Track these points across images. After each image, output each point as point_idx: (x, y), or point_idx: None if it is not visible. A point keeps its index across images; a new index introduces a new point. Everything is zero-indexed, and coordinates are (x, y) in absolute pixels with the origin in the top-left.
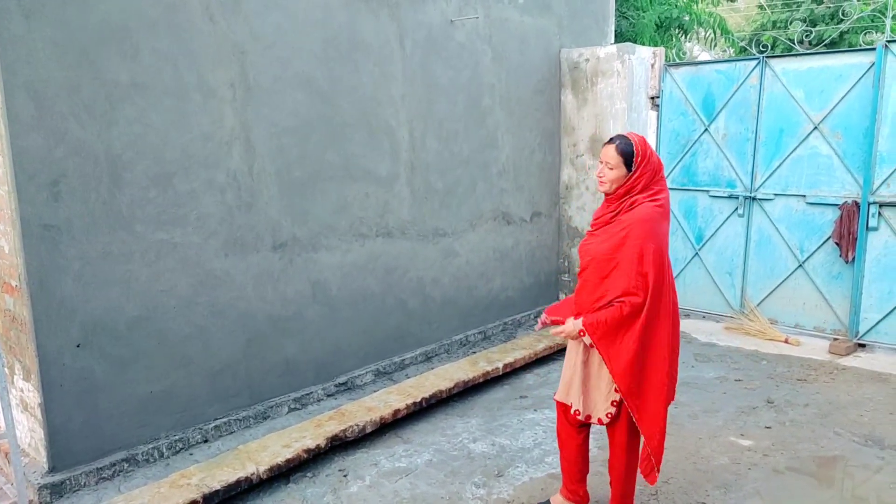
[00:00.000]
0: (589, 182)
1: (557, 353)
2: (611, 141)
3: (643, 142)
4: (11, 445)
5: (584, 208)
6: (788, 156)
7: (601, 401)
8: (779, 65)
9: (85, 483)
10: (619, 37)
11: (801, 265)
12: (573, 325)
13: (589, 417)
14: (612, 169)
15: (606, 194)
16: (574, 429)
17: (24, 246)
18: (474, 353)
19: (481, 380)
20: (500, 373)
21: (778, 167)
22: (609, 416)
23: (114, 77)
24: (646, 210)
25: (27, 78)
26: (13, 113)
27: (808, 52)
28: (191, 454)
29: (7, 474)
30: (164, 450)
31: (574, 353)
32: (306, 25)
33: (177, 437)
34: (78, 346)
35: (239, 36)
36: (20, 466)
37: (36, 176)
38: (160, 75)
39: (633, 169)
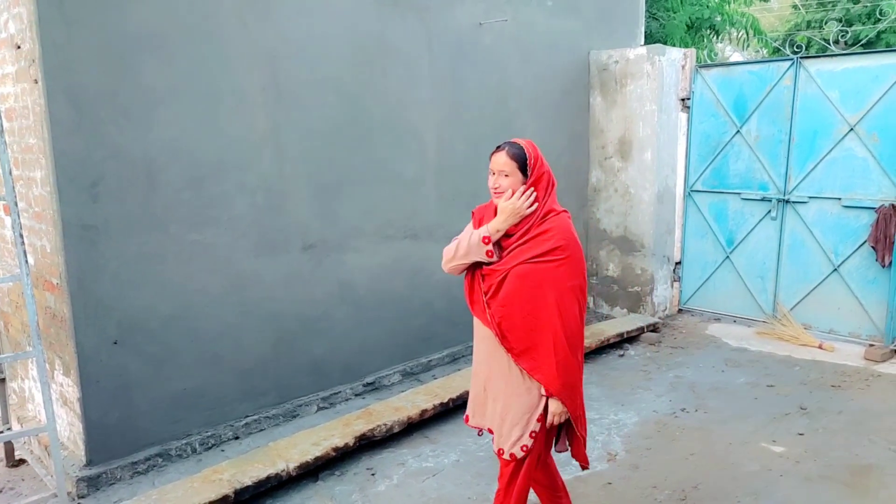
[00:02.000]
0: (618, 184)
1: (585, 354)
2: (499, 148)
3: (532, 144)
4: (51, 439)
5: (612, 210)
6: (823, 158)
7: (519, 426)
8: (813, 66)
9: (120, 477)
10: (649, 38)
11: (835, 269)
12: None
13: (501, 451)
14: (507, 176)
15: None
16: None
17: (65, 245)
18: None
19: None
20: None
21: (812, 169)
22: (524, 449)
23: (150, 82)
24: (566, 222)
25: (68, 84)
26: (55, 117)
27: (844, 52)
28: (222, 450)
29: (47, 466)
30: (197, 446)
31: (485, 351)
32: (336, 30)
33: (208, 434)
34: (115, 343)
35: (270, 41)
36: (60, 459)
37: (76, 178)
38: (194, 80)
39: (529, 173)
